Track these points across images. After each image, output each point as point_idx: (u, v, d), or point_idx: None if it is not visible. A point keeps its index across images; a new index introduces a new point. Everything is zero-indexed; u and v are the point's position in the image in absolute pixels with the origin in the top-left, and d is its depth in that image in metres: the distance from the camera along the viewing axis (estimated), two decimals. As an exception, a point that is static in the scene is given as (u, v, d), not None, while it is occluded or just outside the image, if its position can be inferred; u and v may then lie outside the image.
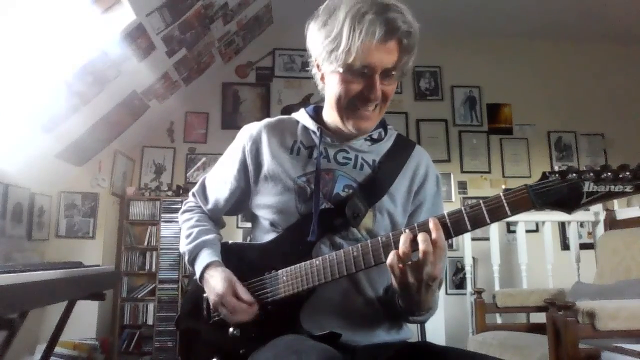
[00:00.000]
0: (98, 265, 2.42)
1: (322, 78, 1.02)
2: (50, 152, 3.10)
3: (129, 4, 2.57)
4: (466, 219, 0.82)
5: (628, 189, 0.73)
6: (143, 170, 4.22)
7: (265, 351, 0.89)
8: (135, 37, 2.88)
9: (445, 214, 0.84)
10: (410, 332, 1.09)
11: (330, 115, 1.05)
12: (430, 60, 4.59)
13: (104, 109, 3.24)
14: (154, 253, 3.84)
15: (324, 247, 0.98)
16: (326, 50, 0.94)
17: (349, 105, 0.98)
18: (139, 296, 3.80)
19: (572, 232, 3.09)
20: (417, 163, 1.09)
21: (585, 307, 1.76)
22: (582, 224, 3.79)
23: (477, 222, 0.82)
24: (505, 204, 0.79)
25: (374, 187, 1.01)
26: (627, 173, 0.73)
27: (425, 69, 4.67)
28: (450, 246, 4.06)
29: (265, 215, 1.05)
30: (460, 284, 4.12)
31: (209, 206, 1.18)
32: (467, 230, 0.83)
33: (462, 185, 4.48)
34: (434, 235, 0.82)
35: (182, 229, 1.17)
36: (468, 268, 3.08)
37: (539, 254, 3.10)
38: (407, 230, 0.84)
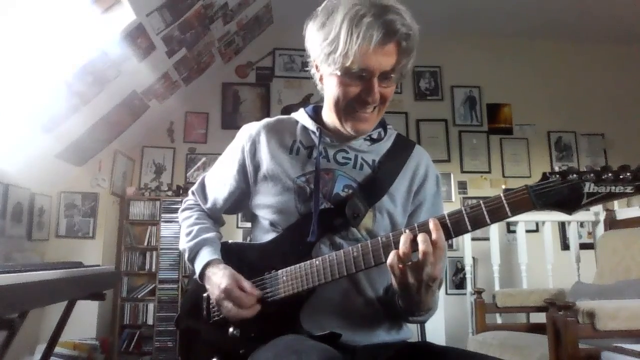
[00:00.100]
0: (98, 265, 2.42)
1: (321, 79, 1.02)
2: (50, 152, 3.10)
3: (129, 4, 2.57)
4: (466, 219, 0.82)
5: (629, 189, 0.73)
6: (143, 170, 4.22)
7: (265, 351, 0.89)
8: (135, 37, 2.88)
9: (446, 215, 0.84)
10: (410, 332, 1.09)
11: (329, 116, 1.05)
12: (430, 60, 4.59)
13: (104, 109, 3.24)
14: (154, 253, 3.84)
15: (323, 247, 0.98)
16: (324, 52, 0.93)
17: (347, 108, 0.98)
18: (139, 296, 3.80)
19: (572, 232, 3.09)
20: (417, 163, 1.09)
21: (585, 307, 1.76)
22: (582, 224, 3.79)
23: (478, 222, 0.82)
24: (506, 205, 0.79)
25: (374, 187, 1.01)
26: (628, 174, 0.73)
27: (425, 69, 4.67)
28: (450, 246, 4.06)
29: (265, 215, 1.05)
30: (460, 284, 4.13)
31: (208, 205, 1.18)
32: (467, 231, 0.83)
33: (462, 185, 4.48)
34: (434, 236, 0.81)
35: (182, 227, 1.17)
36: (468, 268, 3.08)
37: (539, 254, 3.10)
38: (407, 231, 0.84)
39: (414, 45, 0.93)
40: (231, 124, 4.35)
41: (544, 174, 0.79)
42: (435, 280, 0.84)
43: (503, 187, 4.44)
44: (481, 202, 0.82)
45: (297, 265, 0.95)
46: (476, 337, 2.52)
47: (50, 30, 2.40)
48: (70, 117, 2.96)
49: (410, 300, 0.89)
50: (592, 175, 0.75)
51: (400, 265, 0.83)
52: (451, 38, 4.55)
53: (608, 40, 4.68)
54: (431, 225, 0.83)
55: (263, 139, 1.07)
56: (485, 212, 0.81)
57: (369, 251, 0.88)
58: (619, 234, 2.63)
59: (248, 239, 1.18)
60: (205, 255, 1.06)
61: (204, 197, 1.19)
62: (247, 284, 0.98)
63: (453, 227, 0.83)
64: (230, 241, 1.14)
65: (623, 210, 2.82)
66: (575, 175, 0.76)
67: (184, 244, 1.12)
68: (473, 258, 3.18)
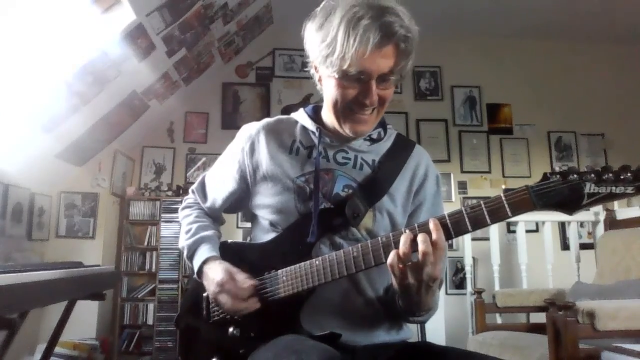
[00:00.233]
0: (98, 265, 2.43)
1: (320, 80, 1.02)
2: (50, 152, 3.10)
3: (129, 4, 2.57)
4: (467, 219, 0.82)
5: (629, 190, 0.73)
6: (143, 170, 4.22)
7: (265, 351, 0.89)
8: (135, 37, 2.88)
9: (446, 215, 0.84)
10: (410, 332, 1.09)
11: (329, 117, 1.04)
12: (430, 60, 4.59)
13: (104, 109, 3.24)
14: (154, 253, 3.84)
15: (323, 247, 0.98)
16: (322, 54, 0.93)
17: (345, 110, 0.98)
18: (139, 296, 3.80)
19: (572, 232, 3.09)
20: (417, 163, 1.08)
21: (585, 307, 1.76)
22: (582, 224, 3.80)
23: (478, 222, 0.81)
24: (506, 205, 0.79)
25: (374, 187, 1.01)
26: (629, 174, 0.73)
27: (425, 69, 4.67)
28: (450, 246, 4.06)
29: (264, 215, 1.06)
30: (460, 284, 4.13)
31: (208, 204, 1.18)
32: (467, 231, 0.83)
33: (462, 185, 4.48)
34: (434, 236, 0.81)
35: (182, 225, 1.18)
36: (468, 268, 3.08)
37: (539, 254, 3.10)
38: (407, 231, 0.84)
39: (412, 46, 0.92)
40: (231, 124, 4.35)
41: (545, 174, 0.78)
42: (436, 280, 0.84)
43: (503, 187, 4.41)
44: (481, 202, 0.82)
45: (297, 265, 0.95)
46: (476, 337, 2.52)
47: (50, 30, 2.40)
48: (70, 117, 2.96)
49: (410, 300, 0.89)
50: (592, 175, 0.75)
51: (400, 265, 0.83)
52: (451, 38, 4.55)
53: (608, 40, 4.68)
54: (431, 225, 0.83)
55: (262, 139, 1.07)
56: (485, 213, 0.81)
57: (369, 251, 0.88)
58: (619, 234, 2.63)
59: (248, 238, 1.18)
60: (204, 252, 1.07)
61: (204, 196, 1.19)
62: (241, 276, 0.98)
63: (453, 227, 0.83)
64: (229, 241, 1.14)
65: (623, 210, 2.82)
66: (575, 176, 0.76)
67: (183, 242, 1.13)
68: (473, 258, 3.18)
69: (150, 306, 3.76)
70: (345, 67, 0.90)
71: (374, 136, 1.08)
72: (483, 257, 3.77)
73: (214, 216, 1.21)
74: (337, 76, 0.93)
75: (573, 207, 0.77)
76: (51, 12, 2.34)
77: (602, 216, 2.92)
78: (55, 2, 2.33)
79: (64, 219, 3.58)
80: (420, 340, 1.81)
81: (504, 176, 4.53)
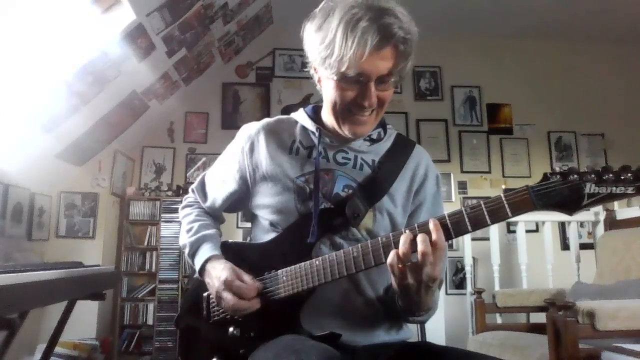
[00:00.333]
0: (98, 265, 2.43)
1: (319, 81, 1.02)
2: (50, 152, 3.10)
3: (129, 4, 2.57)
4: (467, 219, 0.82)
5: (630, 190, 0.73)
6: (143, 170, 4.22)
7: (265, 351, 0.89)
8: (135, 37, 2.88)
9: (446, 215, 0.84)
10: (410, 332, 1.09)
11: (328, 118, 1.04)
12: (430, 60, 4.59)
13: (104, 109, 3.24)
14: (154, 253, 3.84)
15: (324, 247, 0.98)
16: (321, 56, 0.93)
17: (344, 111, 0.98)
18: (139, 296, 3.80)
19: (572, 232, 3.09)
20: (417, 163, 1.08)
21: (585, 307, 1.76)
22: (582, 224, 3.79)
23: (478, 223, 0.81)
24: (506, 205, 0.79)
25: (374, 187, 1.01)
26: (629, 174, 0.73)
27: (425, 69, 4.67)
28: (450, 246, 4.06)
29: (264, 215, 1.06)
30: (460, 284, 4.13)
31: (207, 204, 1.19)
32: (467, 231, 0.82)
33: (462, 185, 4.48)
34: (434, 237, 0.81)
35: (182, 224, 1.18)
36: (468, 268, 3.08)
37: (539, 254, 3.10)
38: (407, 231, 0.84)
39: (411, 48, 0.92)
40: (231, 124, 4.35)
41: (545, 174, 0.78)
42: (435, 280, 0.84)
43: (503, 187, 4.45)
44: (481, 202, 0.81)
45: (297, 265, 0.95)
46: (476, 337, 2.52)
47: (50, 30, 2.40)
48: (70, 117, 2.96)
49: (410, 300, 0.89)
50: (592, 175, 0.75)
51: (400, 266, 0.83)
52: (451, 38, 4.55)
53: (608, 40, 4.68)
54: (431, 225, 0.82)
55: (262, 139, 1.07)
56: (485, 213, 0.81)
57: (369, 251, 0.88)
58: (619, 234, 2.63)
59: (248, 238, 1.18)
60: (207, 250, 1.07)
61: (204, 196, 1.19)
62: (247, 277, 0.99)
63: (453, 227, 0.83)
64: (230, 240, 1.14)
65: (623, 210, 2.82)
66: (576, 176, 0.76)
67: (185, 240, 1.13)
68: (473, 258, 3.18)
69: (150, 306, 3.76)
70: (343, 69, 0.90)
71: (374, 136, 1.08)
72: (483, 257, 3.77)
73: (214, 215, 1.21)
74: (335, 78, 0.93)
75: (573, 207, 0.76)
76: (51, 12, 2.34)
77: (602, 216, 2.92)
78: (55, 2, 2.33)
79: (64, 219, 3.58)
80: (420, 340, 1.80)
81: (504, 176, 4.53)
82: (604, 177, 0.74)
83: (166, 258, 3.81)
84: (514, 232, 3.56)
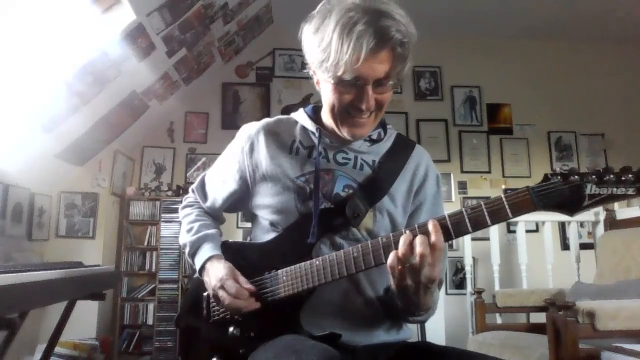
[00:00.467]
0: (98, 265, 2.42)
1: (318, 83, 1.02)
2: (50, 152, 3.10)
3: (129, 4, 2.57)
4: (467, 220, 0.82)
5: (630, 191, 0.73)
6: (143, 170, 4.22)
7: (264, 351, 0.89)
8: (135, 37, 2.88)
9: (446, 215, 0.84)
10: (410, 332, 1.09)
11: (328, 119, 1.04)
12: (430, 60, 4.59)
13: (104, 109, 3.24)
14: (154, 253, 3.84)
15: (324, 247, 0.98)
16: (318, 59, 0.93)
17: (342, 114, 0.97)
18: (139, 296, 3.80)
19: (572, 232, 3.09)
20: (417, 163, 1.08)
21: (585, 307, 1.76)
22: (582, 224, 3.79)
23: (478, 223, 0.81)
24: (507, 206, 0.79)
25: (374, 187, 1.01)
26: (630, 175, 0.73)
27: (425, 69, 4.67)
28: (450, 246, 4.05)
29: (264, 215, 1.06)
30: (460, 284, 4.13)
31: (208, 204, 1.19)
32: (467, 232, 0.82)
33: (462, 185, 4.48)
34: (433, 238, 0.81)
35: (183, 223, 1.18)
36: (468, 268, 3.08)
37: (539, 254, 3.10)
38: (407, 232, 0.84)
39: (409, 50, 0.91)
40: (231, 124, 4.35)
41: (546, 175, 0.78)
42: (434, 281, 0.83)
43: (503, 187, 4.45)
44: (482, 203, 0.81)
45: (297, 265, 0.95)
46: (476, 337, 2.52)
47: (50, 30, 2.40)
48: (70, 117, 2.95)
49: (409, 301, 0.88)
50: (593, 176, 0.74)
51: (400, 267, 0.83)
52: (451, 38, 4.55)
53: (608, 40, 4.68)
54: (430, 226, 0.82)
55: (262, 139, 1.07)
56: (485, 213, 0.80)
57: (369, 251, 0.88)
58: (619, 234, 2.63)
59: (248, 238, 1.18)
60: (207, 250, 1.07)
61: (204, 196, 1.19)
62: (242, 279, 0.99)
63: (454, 228, 0.83)
64: (230, 240, 1.15)
65: (623, 211, 2.81)
66: (577, 177, 0.75)
67: (185, 239, 1.13)
68: (473, 258, 3.18)
69: (150, 306, 3.76)
70: (339, 73, 0.89)
71: (374, 137, 1.08)
72: (483, 257, 3.77)
73: (215, 215, 1.21)
74: (332, 82, 0.93)
75: (574, 208, 0.76)
76: (51, 12, 2.34)
77: (602, 216, 2.92)
78: (55, 2, 2.33)
79: (64, 219, 3.58)
80: (420, 340, 1.81)
81: (504, 176, 4.53)
82: (605, 178, 0.74)
83: (166, 258, 3.81)
84: (514, 232, 3.56)
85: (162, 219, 3.86)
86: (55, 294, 1.66)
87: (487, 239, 3.10)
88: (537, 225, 4.04)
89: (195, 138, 4.36)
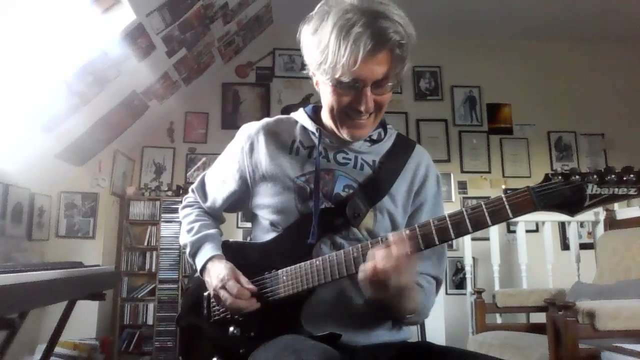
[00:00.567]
0: (98, 265, 2.42)
1: (317, 84, 1.02)
2: (50, 152, 3.10)
3: (129, 4, 2.57)
4: (467, 220, 0.82)
5: (632, 191, 0.72)
6: (143, 170, 4.22)
7: (265, 351, 0.89)
8: (135, 37, 2.87)
9: (447, 216, 0.84)
10: (410, 332, 1.09)
11: (327, 120, 1.04)
12: (430, 60, 4.59)
13: (104, 109, 3.24)
14: (154, 253, 3.84)
15: (324, 247, 0.98)
16: (316, 61, 0.92)
17: (341, 115, 0.97)
18: (139, 296, 3.80)
19: (572, 232, 3.09)
20: (417, 163, 1.08)
21: (585, 307, 1.76)
22: (582, 224, 3.79)
23: (478, 224, 0.81)
24: (507, 206, 0.79)
25: (375, 187, 1.01)
26: (631, 175, 0.72)
27: (425, 69, 4.67)
28: (450, 246, 4.06)
29: (265, 215, 1.06)
30: (460, 284, 4.13)
31: (208, 204, 1.19)
32: (468, 232, 0.82)
33: (462, 185, 4.48)
34: (394, 252, 0.82)
35: (183, 223, 1.18)
36: (468, 268, 3.08)
37: (539, 254, 3.10)
38: (374, 245, 0.85)
39: (408, 51, 0.91)
40: (231, 124, 4.35)
41: (546, 175, 0.78)
42: (405, 289, 0.84)
43: (503, 187, 4.45)
44: (482, 203, 0.81)
45: (298, 265, 0.95)
46: (476, 337, 2.51)
47: (50, 30, 2.40)
48: (70, 117, 2.95)
49: (389, 309, 0.89)
50: (595, 176, 0.74)
51: (372, 280, 0.84)
52: (451, 38, 4.55)
53: (608, 39, 4.68)
54: (393, 238, 0.83)
55: (262, 139, 1.07)
56: (486, 214, 0.80)
57: (368, 251, 0.88)
58: (619, 234, 2.62)
59: (248, 238, 1.18)
60: (209, 250, 1.07)
61: (204, 196, 1.19)
62: (244, 279, 0.99)
63: (454, 228, 0.83)
64: (231, 240, 1.15)
65: (623, 210, 2.81)
66: (578, 177, 0.75)
67: (186, 239, 1.13)
68: (473, 258, 3.18)
69: (150, 306, 3.76)
70: (337, 75, 0.89)
71: (374, 137, 1.08)
72: (483, 257, 3.77)
73: (215, 215, 1.21)
74: (331, 83, 0.93)
75: (575, 208, 0.76)
76: (51, 12, 2.34)
77: (602, 216, 2.92)
78: (55, 2, 2.33)
79: (64, 219, 3.58)
80: (420, 340, 1.80)
81: (504, 176, 4.53)
82: (606, 178, 0.73)
83: (166, 258, 3.81)
84: (514, 232, 3.55)
85: (162, 219, 3.86)
86: (55, 294, 1.65)
87: (487, 239, 3.10)
88: (537, 225, 4.04)
89: (195, 138, 4.36)
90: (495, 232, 3.06)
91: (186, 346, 1.16)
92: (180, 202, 1.26)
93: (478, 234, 3.25)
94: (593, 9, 4.12)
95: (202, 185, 1.20)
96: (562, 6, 4.08)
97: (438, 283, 1.07)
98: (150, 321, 3.74)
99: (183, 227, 1.17)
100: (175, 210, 3.65)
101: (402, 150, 1.09)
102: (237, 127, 1.14)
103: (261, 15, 4.16)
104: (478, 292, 2.65)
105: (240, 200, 1.13)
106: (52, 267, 1.77)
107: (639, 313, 1.75)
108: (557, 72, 4.68)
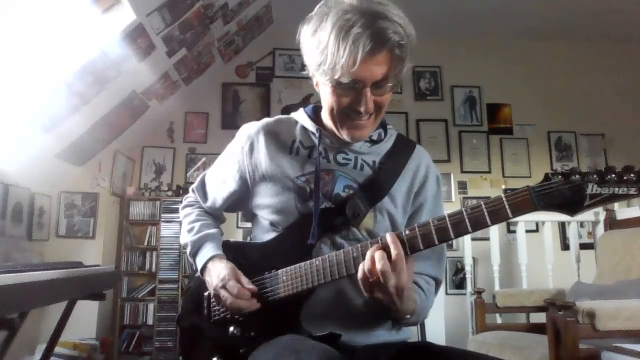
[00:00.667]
0: (98, 265, 2.42)
1: (317, 84, 1.02)
2: (50, 152, 3.10)
3: (129, 4, 2.57)
4: (467, 220, 0.82)
5: (632, 191, 0.72)
6: (143, 170, 4.22)
7: (264, 351, 0.89)
8: (135, 37, 2.87)
9: (446, 215, 0.84)
10: (410, 332, 1.09)
11: (327, 121, 1.04)
12: (430, 60, 4.59)
13: (104, 109, 3.24)
14: (154, 253, 3.84)
15: (324, 247, 0.98)
16: (315, 62, 0.92)
17: (341, 116, 0.97)
18: (139, 296, 3.80)
19: (572, 232, 3.09)
20: (418, 164, 1.08)
21: (585, 307, 1.76)
22: (582, 224, 3.79)
23: (478, 223, 0.81)
24: (507, 206, 0.79)
25: (375, 187, 1.01)
26: (632, 175, 0.72)
27: (425, 69, 4.67)
28: (450, 246, 4.06)
29: (264, 215, 1.06)
30: (460, 284, 4.13)
31: (208, 204, 1.19)
32: (467, 232, 0.82)
33: (462, 185, 4.48)
34: (392, 252, 0.82)
35: (183, 223, 1.18)
36: (468, 268, 3.08)
37: (539, 254, 3.10)
38: (372, 245, 0.85)
39: (407, 52, 0.91)
40: (231, 124, 4.35)
41: (546, 174, 0.78)
42: (404, 289, 0.84)
43: (503, 187, 4.45)
44: (482, 203, 0.81)
45: (297, 265, 0.95)
46: (476, 337, 2.51)
47: (50, 30, 2.40)
48: (70, 117, 2.95)
49: (388, 309, 0.89)
50: (595, 176, 0.74)
51: (370, 280, 0.84)
52: (451, 38, 4.55)
53: (608, 39, 4.68)
54: (389, 239, 0.83)
55: (262, 139, 1.07)
56: (486, 213, 0.80)
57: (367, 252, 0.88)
58: (619, 234, 2.62)
59: (248, 238, 1.18)
60: (209, 250, 1.07)
61: (204, 196, 1.20)
62: (244, 279, 0.99)
63: (453, 228, 0.83)
64: (231, 240, 1.15)
65: (623, 210, 2.81)
66: (578, 176, 0.75)
67: (186, 239, 1.13)
68: (473, 258, 3.18)
69: (150, 306, 3.76)
70: (336, 76, 0.90)
71: (374, 137, 1.08)
72: (483, 257, 3.77)
73: (215, 215, 1.21)
74: (330, 84, 0.93)
75: (575, 208, 0.76)
76: (51, 12, 2.34)
77: (602, 216, 2.92)
78: (55, 2, 2.33)
79: (64, 219, 3.58)
80: (420, 340, 1.80)
81: (504, 176, 4.53)
82: (607, 178, 0.73)
83: (166, 258, 3.81)
84: (514, 232, 3.55)
85: (162, 219, 3.86)
86: (55, 294, 1.65)
87: (487, 239, 3.10)
88: (537, 225, 4.04)
89: (195, 138, 4.36)
90: (495, 232, 3.06)
91: (186, 346, 1.15)
92: (180, 202, 1.26)
93: (478, 234, 3.24)
94: (593, 9, 4.12)
95: (203, 185, 1.20)
96: (562, 6, 4.08)
97: (437, 284, 1.07)
98: (150, 321, 3.74)
99: (183, 226, 1.17)
100: (176, 211, 3.65)
101: (402, 150, 1.09)
102: (237, 127, 1.14)
103: (261, 15, 4.16)
104: (478, 292, 2.65)
105: (240, 200, 1.13)
106: (52, 267, 1.77)
107: (639, 313, 1.75)
108: (557, 72, 4.68)
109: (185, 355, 1.15)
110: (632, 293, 2.11)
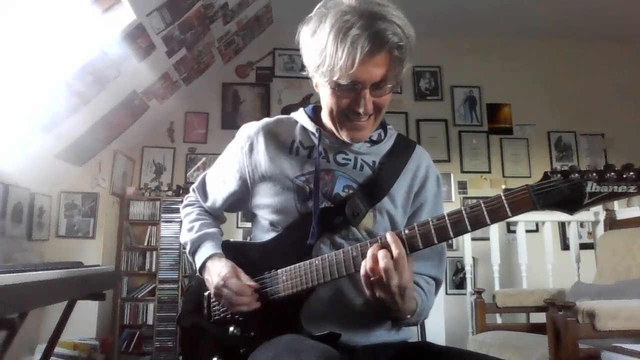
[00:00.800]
0: (98, 265, 2.42)
1: (317, 85, 1.01)
2: (50, 152, 3.10)
3: (129, 4, 2.57)
4: (466, 219, 0.82)
5: (632, 189, 0.72)
6: (143, 170, 4.22)
7: (264, 350, 0.89)
8: (135, 37, 2.88)
9: (445, 215, 0.84)
10: (410, 332, 1.09)
11: (327, 122, 1.04)
12: (430, 60, 4.59)
13: (104, 109, 3.24)
14: (154, 253, 3.84)
15: (324, 246, 0.98)
16: (314, 63, 0.92)
17: (341, 117, 0.97)
18: (139, 296, 3.80)
19: (572, 232, 3.09)
20: (418, 164, 1.08)
21: (585, 307, 1.76)
22: (582, 224, 3.79)
23: (477, 223, 0.81)
24: (506, 205, 0.79)
25: (375, 188, 1.01)
26: (631, 173, 0.72)
27: (425, 69, 4.67)
28: (450, 246, 4.06)
29: (264, 215, 1.06)
30: (460, 284, 4.13)
31: (208, 204, 1.19)
32: (467, 231, 0.82)
33: (462, 185, 4.48)
34: (394, 251, 0.82)
35: (184, 222, 1.18)
36: (468, 268, 3.08)
37: (539, 254, 3.10)
38: (373, 245, 0.85)
39: (406, 53, 0.91)
40: (231, 124, 4.35)
41: (545, 173, 0.78)
42: (407, 288, 0.84)
43: (503, 187, 4.44)
44: (481, 202, 0.81)
45: (297, 264, 0.95)
46: (476, 337, 2.51)
47: (50, 30, 2.40)
48: (70, 117, 2.96)
49: (389, 309, 0.89)
50: (594, 174, 0.74)
51: (371, 279, 0.84)
52: (451, 38, 4.55)
53: (608, 39, 4.68)
54: (389, 238, 0.83)
55: (261, 139, 1.07)
56: (485, 212, 0.80)
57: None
58: (619, 234, 2.62)
59: (248, 238, 1.18)
60: (208, 249, 1.07)
61: (204, 196, 1.20)
62: (245, 276, 0.99)
63: (452, 227, 0.83)
64: (231, 240, 1.15)
65: (623, 210, 2.81)
66: (577, 175, 0.75)
67: (186, 238, 1.13)
68: (473, 258, 3.18)
69: (150, 306, 3.76)
70: (335, 78, 0.89)
71: (374, 138, 1.08)
72: (483, 257, 3.77)
73: (215, 215, 1.22)
74: (329, 86, 0.93)
75: (574, 206, 0.76)
76: (51, 12, 2.34)
77: (602, 216, 2.92)
78: (55, 2, 2.33)
79: (64, 219, 3.58)
80: (420, 340, 1.80)
81: (504, 176, 4.53)
82: (606, 176, 0.73)
83: (166, 258, 3.81)
84: (514, 232, 3.55)
85: (162, 219, 3.86)
86: (55, 294, 1.65)
87: (487, 238, 3.10)
88: (537, 225, 4.04)
89: (195, 138, 4.36)
90: (495, 232, 3.06)
91: (187, 346, 1.16)
92: (181, 202, 1.26)
93: (478, 233, 3.25)
94: (593, 8, 4.12)
95: (203, 185, 1.20)
96: (562, 6, 4.08)
97: (437, 284, 1.07)
98: (150, 321, 3.74)
99: (184, 225, 1.18)
100: (176, 211, 3.65)
101: (402, 151, 1.09)
102: (237, 127, 1.14)
103: (261, 15, 4.16)
104: (478, 292, 2.65)
105: (240, 201, 1.13)
106: (52, 267, 1.77)
107: (639, 313, 1.75)
108: (557, 71, 4.68)
109: (186, 355, 1.15)
110: (632, 293, 2.10)
